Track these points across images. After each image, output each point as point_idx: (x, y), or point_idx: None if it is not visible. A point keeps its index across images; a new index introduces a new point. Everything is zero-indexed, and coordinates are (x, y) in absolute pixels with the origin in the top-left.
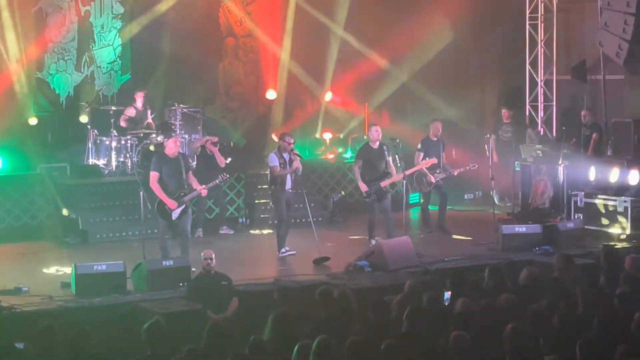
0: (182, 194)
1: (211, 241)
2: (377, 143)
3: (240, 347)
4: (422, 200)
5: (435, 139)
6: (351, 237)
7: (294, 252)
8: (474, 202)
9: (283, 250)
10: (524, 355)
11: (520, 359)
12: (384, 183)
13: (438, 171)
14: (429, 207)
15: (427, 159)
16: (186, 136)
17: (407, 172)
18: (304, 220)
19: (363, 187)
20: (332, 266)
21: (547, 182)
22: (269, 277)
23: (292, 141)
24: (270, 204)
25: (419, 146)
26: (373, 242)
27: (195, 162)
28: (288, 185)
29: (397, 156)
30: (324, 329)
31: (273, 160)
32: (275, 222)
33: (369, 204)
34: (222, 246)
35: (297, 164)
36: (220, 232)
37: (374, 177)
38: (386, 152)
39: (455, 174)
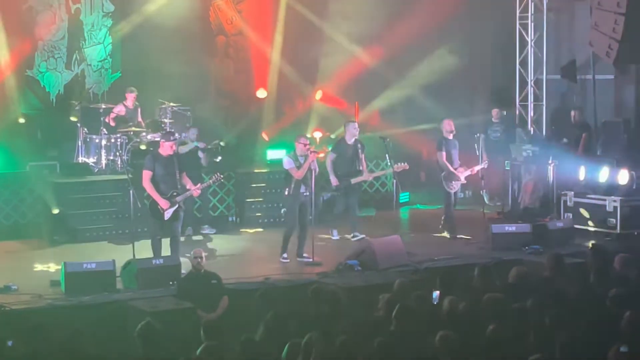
0: (175, 193)
1: (201, 240)
2: (353, 139)
3: (231, 345)
4: (446, 203)
5: (451, 137)
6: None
7: (311, 259)
8: (464, 202)
9: (284, 255)
10: (508, 354)
11: (504, 358)
12: (355, 180)
13: (461, 169)
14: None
15: (449, 158)
16: (177, 136)
17: (373, 175)
18: None
19: (334, 181)
20: (322, 265)
21: (537, 181)
22: (259, 276)
23: (307, 142)
24: (265, 204)
25: (438, 146)
26: (335, 232)
27: None
28: (302, 188)
29: (387, 155)
30: (315, 327)
31: (288, 163)
32: (284, 224)
33: (337, 198)
34: (212, 245)
35: (313, 156)
36: (202, 231)
37: (346, 172)
38: (360, 150)
39: (475, 171)
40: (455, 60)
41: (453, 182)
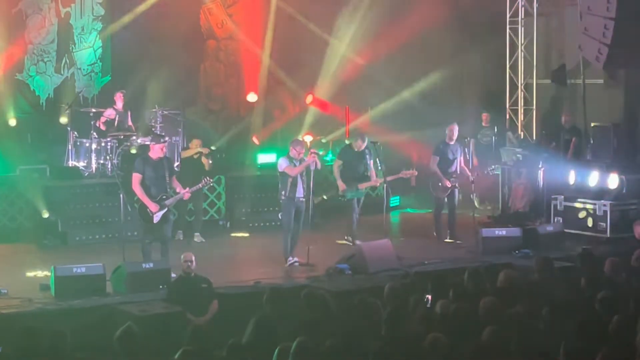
0: (164, 197)
1: (191, 243)
2: (361, 148)
3: (220, 349)
4: (435, 206)
5: (451, 142)
6: (338, 241)
7: (298, 261)
8: None
9: (290, 259)
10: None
11: None
12: (362, 185)
13: (454, 176)
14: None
15: (442, 163)
16: (167, 138)
17: (389, 179)
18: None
19: (342, 186)
20: (312, 269)
21: (527, 185)
22: (249, 280)
23: (302, 151)
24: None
25: (434, 151)
26: (357, 242)
27: (179, 164)
28: (300, 193)
29: (378, 159)
30: (306, 331)
31: (284, 163)
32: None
33: (347, 204)
34: (202, 248)
35: (312, 157)
36: (194, 239)
37: (352, 178)
38: (368, 156)
39: (472, 178)
40: (444, 63)
41: (439, 188)
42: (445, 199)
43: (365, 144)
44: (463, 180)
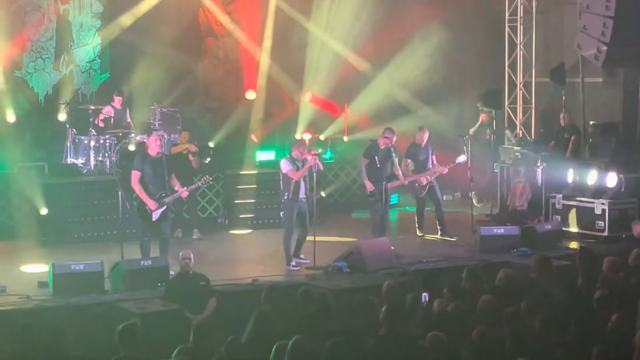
0: (163, 195)
1: (190, 241)
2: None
3: (218, 347)
4: (417, 206)
5: (422, 144)
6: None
7: (307, 260)
8: (453, 204)
9: (293, 263)
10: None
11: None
12: (392, 184)
13: (428, 173)
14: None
15: (415, 165)
16: (165, 136)
17: (410, 179)
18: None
19: (369, 187)
20: (311, 267)
21: (526, 184)
22: (247, 278)
23: (305, 152)
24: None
25: (406, 154)
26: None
27: None
28: (302, 193)
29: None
30: (303, 329)
31: (286, 165)
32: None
33: (371, 204)
34: (200, 246)
35: (313, 160)
36: (193, 237)
37: (379, 178)
38: (393, 154)
39: (446, 171)
40: (443, 62)
41: (417, 188)
42: (431, 200)
43: (391, 141)
44: (437, 175)
